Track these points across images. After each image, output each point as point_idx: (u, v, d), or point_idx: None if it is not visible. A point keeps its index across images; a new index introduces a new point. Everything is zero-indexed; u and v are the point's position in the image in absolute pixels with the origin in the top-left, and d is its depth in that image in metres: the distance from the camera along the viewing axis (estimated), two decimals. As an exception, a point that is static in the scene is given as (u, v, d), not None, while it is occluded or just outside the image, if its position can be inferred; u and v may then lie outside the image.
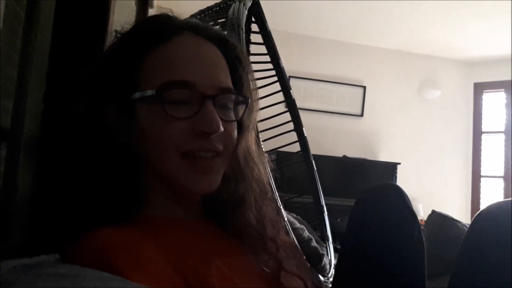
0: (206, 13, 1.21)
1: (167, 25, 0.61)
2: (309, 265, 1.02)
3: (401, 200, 0.84)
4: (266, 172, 0.74)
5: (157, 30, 0.60)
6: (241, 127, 0.65)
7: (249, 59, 0.68)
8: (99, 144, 0.59)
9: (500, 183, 4.45)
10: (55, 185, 0.59)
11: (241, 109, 0.64)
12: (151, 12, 1.48)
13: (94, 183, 0.57)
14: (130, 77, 0.58)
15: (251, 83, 0.67)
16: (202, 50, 0.60)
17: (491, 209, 0.74)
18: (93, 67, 0.63)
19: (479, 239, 0.73)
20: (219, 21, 1.08)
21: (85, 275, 0.32)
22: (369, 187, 0.88)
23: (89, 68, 0.66)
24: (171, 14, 0.64)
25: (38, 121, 0.62)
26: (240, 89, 0.65)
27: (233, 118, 0.62)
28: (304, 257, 0.74)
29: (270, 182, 0.78)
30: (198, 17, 1.18)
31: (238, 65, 0.64)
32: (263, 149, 0.79)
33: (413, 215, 0.84)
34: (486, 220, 0.73)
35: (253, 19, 1.34)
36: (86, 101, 0.62)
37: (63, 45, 0.70)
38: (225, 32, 0.66)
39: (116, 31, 0.64)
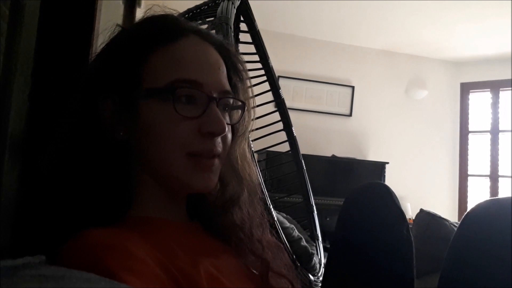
0: (194, 12, 1.20)
1: (175, 26, 0.61)
2: (298, 264, 1.02)
3: (390, 198, 0.84)
4: (256, 172, 0.74)
5: (165, 29, 0.61)
6: (237, 131, 0.66)
7: (246, 67, 0.70)
8: (92, 141, 0.58)
9: (487, 182, 4.51)
10: (42, 185, 0.57)
11: (236, 113, 0.65)
12: (139, 11, 1.47)
13: (84, 182, 0.56)
14: (134, 72, 0.58)
15: (248, 90, 0.69)
16: (207, 53, 0.61)
17: (480, 208, 0.75)
18: (94, 59, 0.63)
19: (468, 237, 0.73)
20: (208, 20, 1.08)
21: (71, 277, 0.31)
22: (358, 186, 0.88)
23: (87, 61, 0.65)
24: (177, 16, 0.65)
25: (23, 120, 0.61)
26: (236, 95, 0.66)
27: (229, 121, 0.63)
28: (290, 257, 0.74)
29: (260, 182, 0.78)
30: (186, 15, 1.17)
31: (235, 72, 0.66)
32: (253, 149, 0.80)
33: (401, 213, 0.84)
34: (475, 219, 0.74)
35: (242, 18, 1.34)
36: (81, 95, 0.61)
37: (49, 43, 0.69)
38: (221, 36, 0.67)
39: (119, 25, 0.64)
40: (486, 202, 0.75)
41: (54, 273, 0.32)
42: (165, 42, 0.59)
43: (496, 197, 0.75)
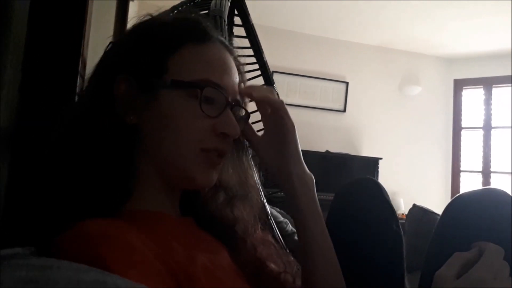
0: (188, 5, 1.19)
1: (205, 29, 0.64)
2: (292, 259, 1.02)
3: (379, 193, 0.85)
4: (252, 169, 0.74)
5: (198, 29, 0.63)
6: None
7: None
8: (102, 122, 0.57)
9: (479, 178, 4.54)
10: (37, 174, 0.57)
11: (240, 123, 0.66)
12: (132, 4, 1.46)
13: (85, 169, 0.55)
14: (161, 60, 0.59)
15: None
16: (230, 61, 0.64)
17: (461, 199, 0.76)
18: (118, 40, 0.63)
19: (448, 227, 0.75)
20: (201, 13, 1.07)
21: (60, 266, 0.31)
22: (348, 181, 0.89)
23: (79, 53, 0.67)
24: (209, 22, 0.67)
25: (14, 112, 0.60)
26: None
27: None
28: (284, 252, 0.74)
29: (255, 178, 0.78)
30: (180, 8, 1.16)
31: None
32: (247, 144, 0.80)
33: (391, 208, 0.85)
34: (455, 209, 0.76)
35: (236, 12, 1.33)
36: (99, 73, 0.61)
37: (40, 35, 0.68)
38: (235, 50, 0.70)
39: (150, 14, 0.65)
40: (466, 193, 0.77)
41: (43, 263, 0.31)
42: (197, 40, 0.61)
43: (477, 188, 0.77)
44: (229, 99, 0.61)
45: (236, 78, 0.64)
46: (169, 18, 0.65)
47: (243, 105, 0.67)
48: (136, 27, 0.64)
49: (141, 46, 0.60)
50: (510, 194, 0.74)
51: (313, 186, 0.70)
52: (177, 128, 0.58)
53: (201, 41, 0.61)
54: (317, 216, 0.68)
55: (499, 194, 0.73)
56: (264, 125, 0.71)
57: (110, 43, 0.63)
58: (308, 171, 0.70)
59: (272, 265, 0.68)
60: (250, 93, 0.65)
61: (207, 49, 0.61)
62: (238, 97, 0.64)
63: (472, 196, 0.76)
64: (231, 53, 0.66)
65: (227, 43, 0.67)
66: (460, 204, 0.76)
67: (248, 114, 0.67)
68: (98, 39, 0.82)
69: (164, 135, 0.58)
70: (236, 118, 0.62)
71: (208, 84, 0.58)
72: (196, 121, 0.58)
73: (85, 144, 0.56)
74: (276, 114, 0.67)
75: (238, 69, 0.67)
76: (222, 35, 0.67)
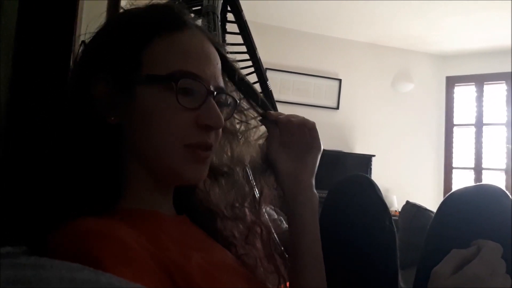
0: (181, 1, 1.18)
1: (181, 16, 0.61)
2: (286, 255, 1.02)
3: (372, 190, 0.85)
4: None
5: (172, 17, 0.60)
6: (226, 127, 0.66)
7: (238, 68, 0.71)
8: (83, 123, 0.56)
9: (471, 175, 4.58)
10: (26, 173, 0.56)
11: (227, 110, 0.65)
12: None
13: (73, 168, 0.54)
14: (134, 54, 0.57)
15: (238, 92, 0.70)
16: (208, 48, 0.61)
17: (455, 195, 0.77)
18: (93, 37, 0.61)
19: (444, 224, 0.75)
20: (194, 8, 1.06)
21: (52, 266, 0.30)
22: (341, 178, 0.89)
23: (70, 47, 0.65)
24: (183, 8, 0.65)
25: (4, 108, 0.59)
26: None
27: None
28: (278, 249, 0.74)
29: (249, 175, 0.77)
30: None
31: (229, 75, 0.67)
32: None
33: (383, 205, 0.85)
34: (450, 206, 0.76)
35: (229, 9, 1.32)
36: (76, 73, 0.59)
37: (30, 28, 0.67)
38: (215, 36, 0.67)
39: (122, 8, 0.63)
40: (460, 190, 0.77)
41: (35, 262, 0.31)
42: (170, 29, 0.58)
43: (470, 185, 0.78)
44: (210, 88, 0.58)
45: (218, 63, 0.61)
46: (139, 9, 0.62)
47: (228, 91, 0.64)
48: (107, 23, 0.61)
49: (113, 42, 0.58)
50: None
51: (317, 202, 0.73)
52: (157, 125, 0.56)
53: (175, 29, 0.58)
54: (315, 228, 0.71)
55: (493, 190, 0.74)
56: (288, 135, 0.73)
57: (82, 42, 0.61)
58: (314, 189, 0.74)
59: (264, 263, 0.68)
60: (289, 119, 0.70)
61: (182, 37, 0.58)
62: (222, 84, 0.61)
63: (467, 192, 0.76)
64: (210, 38, 0.63)
65: (205, 28, 0.64)
66: (455, 201, 0.76)
67: (235, 100, 0.65)
68: (89, 34, 0.81)
69: (147, 133, 0.56)
70: (220, 106, 0.61)
71: (184, 75, 0.56)
72: (176, 116, 0.56)
73: (71, 146, 0.55)
74: (310, 133, 0.74)
75: (222, 55, 0.64)
76: (212, 30, 0.66)
